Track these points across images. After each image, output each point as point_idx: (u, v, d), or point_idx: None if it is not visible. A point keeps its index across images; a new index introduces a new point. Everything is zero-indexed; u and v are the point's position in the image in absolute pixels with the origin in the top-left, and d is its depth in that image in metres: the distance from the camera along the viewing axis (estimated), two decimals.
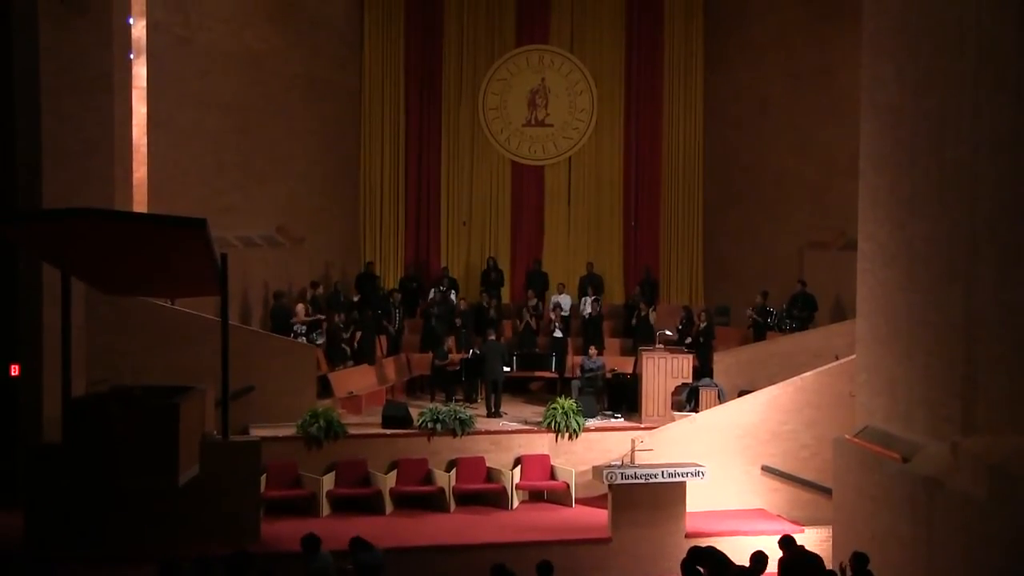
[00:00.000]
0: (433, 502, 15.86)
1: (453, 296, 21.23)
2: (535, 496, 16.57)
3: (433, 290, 21.36)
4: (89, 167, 15.48)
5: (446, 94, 23.79)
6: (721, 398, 17.68)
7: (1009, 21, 10.48)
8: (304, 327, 18.78)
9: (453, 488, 15.89)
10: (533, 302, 21.02)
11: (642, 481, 14.44)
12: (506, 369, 18.50)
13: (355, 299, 20.78)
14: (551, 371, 19.90)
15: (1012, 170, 10.48)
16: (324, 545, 11.34)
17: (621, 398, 18.25)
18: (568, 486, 16.24)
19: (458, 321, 20.23)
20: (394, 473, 16.00)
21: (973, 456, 10.43)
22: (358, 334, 19.26)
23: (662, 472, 14.52)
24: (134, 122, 16.81)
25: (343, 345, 19.05)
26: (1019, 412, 10.45)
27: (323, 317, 19.39)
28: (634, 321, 20.88)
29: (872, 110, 13.09)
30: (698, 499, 15.08)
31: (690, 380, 17.78)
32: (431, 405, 17.21)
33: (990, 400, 10.76)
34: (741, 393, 17.23)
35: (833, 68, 21.66)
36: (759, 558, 10.66)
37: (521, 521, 15.45)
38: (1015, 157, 10.45)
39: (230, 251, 14.83)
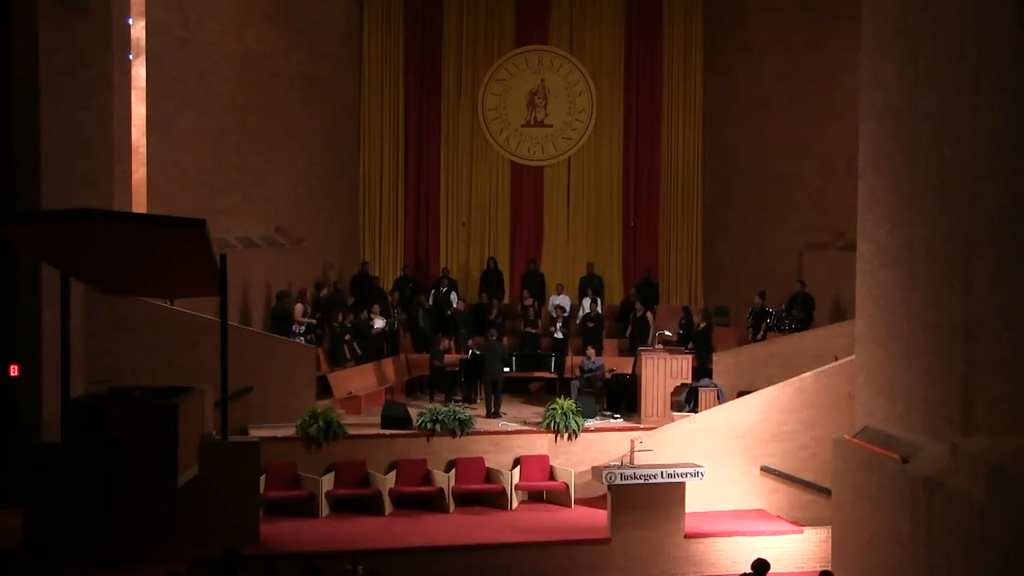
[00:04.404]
0: (432, 502, 15.85)
1: (453, 297, 21.19)
2: (534, 496, 16.54)
3: (432, 291, 21.32)
4: (88, 167, 15.46)
5: (445, 95, 23.79)
6: (720, 399, 17.67)
7: (1009, 21, 10.46)
8: (302, 327, 18.76)
9: (452, 488, 15.87)
10: (529, 302, 21.00)
11: (641, 481, 14.44)
12: (506, 370, 18.50)
13: (351, 301, 20.76)
14: (550, 372, 19.89)
15: (1012, 170, 10.46)
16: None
17: (620, 398, 18.23)
18: (567, 486, 16.22)
19: (449, 321, 20.20)
20: (393, 473, 15.99)
21: (973, 456, 10.41)
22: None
23: (661, 472, 14.52)
24: (133, 122, 16.77)
25: (345, 346, 19.04)
26: (1019, 412, 10.43)
27: (314, 322, 19.33)
28: (629, 319, 20.86)
29: (871, 110, 13.07)
30: (697, 499, 15.07)
31: (689, 380, 17.76)
32: (430, 405, 17.19)
33: (989, 401, 10.75)
34: (740, 394, 17.21)
35: (832, 68, 21.63)
36: (762, 564, 10.67)
37: (520, 522, 15.43)
38: (1015, 157, 10.43)
39: (229, 252, 14.82)
